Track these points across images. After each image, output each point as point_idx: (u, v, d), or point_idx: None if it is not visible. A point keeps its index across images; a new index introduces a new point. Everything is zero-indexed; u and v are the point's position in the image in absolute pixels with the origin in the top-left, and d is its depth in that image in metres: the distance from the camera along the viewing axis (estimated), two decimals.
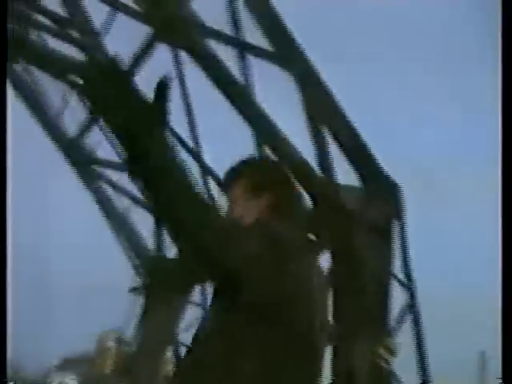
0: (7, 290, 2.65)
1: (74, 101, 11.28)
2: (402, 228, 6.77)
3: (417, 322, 6.87)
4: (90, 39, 10.42)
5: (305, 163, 6.70)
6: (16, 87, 10.64)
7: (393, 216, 6.77)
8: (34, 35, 10.28)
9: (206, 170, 10.26)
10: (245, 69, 6.98)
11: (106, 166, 11.30)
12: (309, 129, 6.95)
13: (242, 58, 7.03)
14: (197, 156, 10.21)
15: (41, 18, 10.28)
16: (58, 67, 10.62)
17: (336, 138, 6.98)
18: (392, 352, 5.59)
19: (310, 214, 7.82)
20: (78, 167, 11.21)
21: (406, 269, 6.79)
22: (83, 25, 10.52)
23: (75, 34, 10.50)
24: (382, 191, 6.90)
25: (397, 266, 6.81)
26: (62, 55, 10.57)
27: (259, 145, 9.55)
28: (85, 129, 10.99)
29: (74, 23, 10.39)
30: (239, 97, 6.63)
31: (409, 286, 6.68)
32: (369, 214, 6.78)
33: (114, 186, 11.40)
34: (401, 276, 6.78)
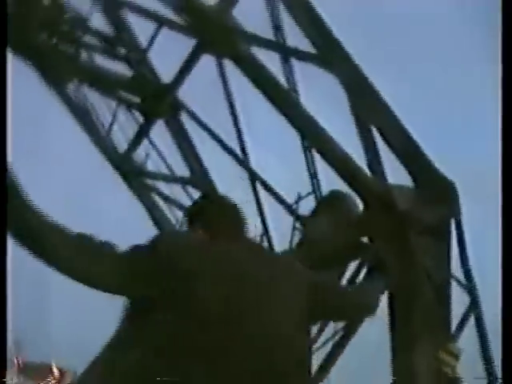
0: (7, 291, 2.63)
1: (123, 116, 11.53)
2: (459, 227, 6.53)
3: (480, 325, 6.60)
4: (136, 55, 10.60)
5: (352, 163, 6.57)
6: (68, 105, 10.91)
7: (449, 215, 6.54)
8: (83, 54, 10.55)
9: (255, 177, 10.25)
10: (289, 72, 6.92)
11: (156, 178, 11.43)
12: (357, 129, 6.82)
13: (285, 61, 6.98)
14: (245, 164, 10.21)
15: (89, 38, 10.56)
16: (107, 84, 10.91)
17: (386, 137, 6.82)
18: (455, 357, 5.37)
19: (361, 216, 7.67)
20: (129, 180, 11.37)
21: (465, 269, 6.54)
22: (130, 42, 10.71)
23: (122, 51, 10.72)
24: (436, 190, 6.67)
25: (456, 267, 6.58)
26: (112, 72, 10.87)
27: (306, 148, 9.52)
28: (135, 143, 11.17)
29: (120, 41, 10.61)
30: (284, 101, 6.57)
31: (469, 286, 6.43)
32: (423, 215, 6.57)
33: (166, 198, 11.53)
34: (460, 277, 6.54)
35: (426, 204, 6.58)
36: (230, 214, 2.55)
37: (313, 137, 6.86)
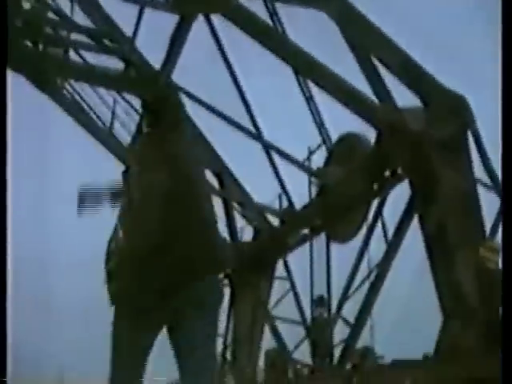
0: (7, 291, 2.65)
1: (122, 111, 11.60)
2: (477, 136, 6.57)
3: None
4: (122, 44, 10.63)
5: (355, 91, 6.63)
6: (63, 106, 10.97)
7: (464, 127, 6.58)
8: (72, 54, 10.60)
9: (268, 146, 10.33)
10: (275, 16, 7.00)
11: None
12: (357, 61, 6.85)
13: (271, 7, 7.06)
14: (256, 135, 10.25)
15: (75, 36, 10.63)
16: (100, 80, 10.97)
17: (387, 64, 6.85)
18: (496, 251, 5.43)
19: (376, 148, 7.71)
20: None
21: (489, 172, 6.59)
22: (114, 34, 10.74)
23: (110, 45, 10.75)
24: (446, 105, 6.71)
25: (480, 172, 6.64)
26: (103, 68, 10.93)
27: (308, 98, 9.59)
28: (138, 133, 11.23)
29: (106, 34, 10.64)
30: (277, 42, 6.65)
31: (495, 187, 6.46)
32: (438, 131, 6.61)
33: None
34: (486, 180, 6.58)
35: (439, 120, 6.61)
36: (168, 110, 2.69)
37: (309, 70, 6.91)
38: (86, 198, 2.61)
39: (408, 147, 6.80)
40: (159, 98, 2.77)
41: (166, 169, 2.45)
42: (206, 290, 2.50)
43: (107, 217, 2.60)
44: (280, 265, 11.71)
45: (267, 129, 10.15)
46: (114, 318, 2.51)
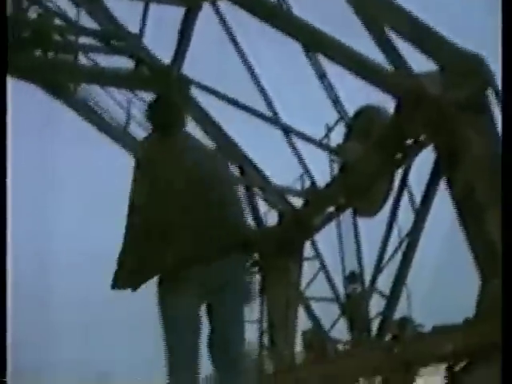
0: (7, 293, 2.66)
1: (136, 110, 11.68)
2: (498, 94, 6.50)
3: None
4: (130, 43, 10.69)
5: (367, 60, 6.60)
6: (76, 109, 11.09)
7: (483, 87, 6.51)
8: (81, 57, 10.70)
9: (286, 128, 10.34)
10: None
11: None
12: (368, 30, 6.81)
13: None
14: (274, 119, 10.26)
15: (83, 40, 10.72)
16: (111, 81, 11.06)
17: (398, 30, 6.80)
18: None
19: (396, 118, 7.67)
20: None
21: None
22: (121, 33, 10.79)
23: (118, 44, 10.81)
24: (463, 67, 6.64)
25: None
26: (113, 68, 11.01)
27: (321, 75, 9.57)
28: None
29: (113, 34, 10.71)
30: (283, 19, 6.66)
31: None
32: (458, 93, 6.55)
33: None
34: None
35: (457, 82, 6.54)
36: (169, 113, 2.96)
37: (319, 44, 6.89)
38: None
39: (429, 112, 6.75)
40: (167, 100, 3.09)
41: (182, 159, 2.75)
42: (237, 271, 2.71)
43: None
44: (308, 246, 11.80)
45: (283, 111, 10.17)
46: (158, 290, 2.70)
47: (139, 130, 11.92)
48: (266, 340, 13.05)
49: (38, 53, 10.79)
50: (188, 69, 10.60)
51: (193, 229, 2.61)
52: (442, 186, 7.43)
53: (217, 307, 2.69)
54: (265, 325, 13.27)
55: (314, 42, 7.03)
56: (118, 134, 11.53)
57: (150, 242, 2.61)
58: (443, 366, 7.77)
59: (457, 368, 6.69)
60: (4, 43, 3.51)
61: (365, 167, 8.79)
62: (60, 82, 11.10)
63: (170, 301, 2.63)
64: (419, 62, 7.02)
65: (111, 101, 11.45)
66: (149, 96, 11.50)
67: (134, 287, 2.66)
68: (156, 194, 2.66)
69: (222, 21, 9.84)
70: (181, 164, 2.74)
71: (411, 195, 8.28)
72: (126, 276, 2.64)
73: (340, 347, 10.71)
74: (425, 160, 7.64)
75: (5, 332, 2.59)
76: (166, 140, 2.85)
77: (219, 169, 2.89)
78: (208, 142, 3.08)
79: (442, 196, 7.34)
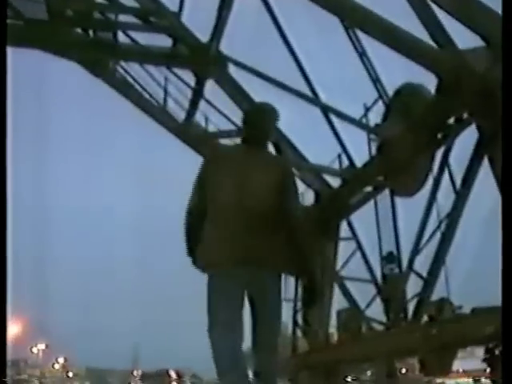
0: (7, 294, 2.68)
1: (175, 87, 11.74)
2: None
3: None
4: (169, 21, 10.67)
5: (408, 35, 6.44)
6: (115, 87, 11.18)
7: None
8: (119, 34, 10.74)
9: (325, 107, 10.25)
10: None
11: (222, 136, 11.56)
12: (411, 6, 6.65)
13: None
14: (314, 99, 10.16)
15: (122, 18, 10.76)
16: (148, 58, 11.10)
17: (441, 5, 6.61)
18: None
19: (438, 96, 7.50)
20: (194, 145, 11.60)
21: None
22: (158, 9, 10.78)
23: (157, 23, 10.82)
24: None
25: None
26: (152, 46, 11.05)
27: (361, 53, 9.42)
28: (192, 107, 11.36)
29: (149, 11, 10.71)
30: None
31: None
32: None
33: None
34: None
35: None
36: (263, 123, 3.25)
37: (358, 18, 6.75)
38: None
39: (474, 90, 6.58)
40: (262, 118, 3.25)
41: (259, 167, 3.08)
42: (279, 280, 3.08)
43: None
44: (345, 226, 11.74)
45: (322, 90, 10.06)
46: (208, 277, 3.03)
47: (176, 108, 12.12)
48: (299, 319, 13.12)
49: (78, 31, 10.92)
50: (226, 47, 10.56)
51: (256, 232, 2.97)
52: (485, 166, 7.28)
53: (258, 303, 3.03)
54: (299, 304, 13.35)
55: (355, 18, 6.90)
56: (157, 112, 11.63)
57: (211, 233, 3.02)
58: (481, 349, 7.69)
59: (497, 351, 6.61)
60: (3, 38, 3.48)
61: (404, 147, 8.65)
62: (99, 59, 11.20)
63: (219, 286, 2.98)
64: (465, 39, 6.83)
65: (149, 79, 11.52)
66: (186, 74, 11.63)
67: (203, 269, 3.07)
68: (236, 193, 3.01)
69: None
70: (259, 171, 3.08)
71: (452, 175, 8.13)
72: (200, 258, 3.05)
73: (375, 328, 10.67)
74: (467, 139, 7.48)
75: (5, 332, 2.64)
76: (252, 149, 3.17)
77: (289, 184, 3.17)
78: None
79: (485, 176, 7.20)
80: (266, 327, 3.04)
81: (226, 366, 2.84)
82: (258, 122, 3.23)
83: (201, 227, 3.04)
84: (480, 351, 7.71)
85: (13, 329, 48.35)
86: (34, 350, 60.11)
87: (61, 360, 75.26)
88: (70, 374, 77.67)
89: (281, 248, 3.02)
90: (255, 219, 2.96)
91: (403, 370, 40.42)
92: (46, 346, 60.45)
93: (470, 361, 27.46)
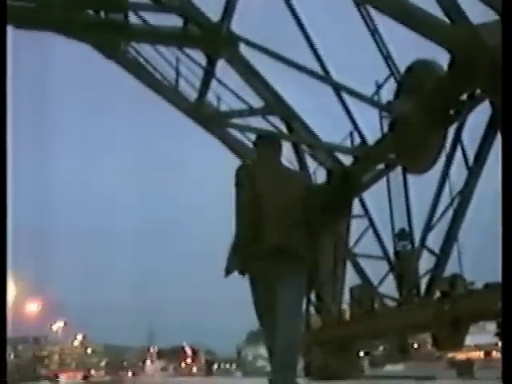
0: (6, 295, 2.67)
1: (187, 67, 11.68)
2: None
3: None
4: (180, 1, 10.58)
5: (419, 11, 6.34)
6: (127, 68, 11.15)
7: None
8: (130, 15, 10.67)
9: (337, 85, 10.15)
10: None
11: (233, 115, 11.53)
12: None
13: None
14: (324, 77, 10.07)
15: None
16: (159, 38, 11.04)
17: None
18: None
19: (451, 72, 7.39)
20: (206, 124, 11.59)
21: None
22: None
23: (166, 1, 10.73)
24: None
25: None
26: (163, 27, 10.98)
27: (373, 31, 9.30)
28: (204, 87, 11.31)
29: None
30: None
31: None
32: None
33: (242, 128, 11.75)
34: None
35: None
36: (269, 148, 3.79)
37: None
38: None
39: (487, 65, 6.47)
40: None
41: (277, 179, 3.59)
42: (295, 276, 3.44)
43: None
44: (357, 203, 11.72)
45: (333, 68, 9.96)
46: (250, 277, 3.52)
47: (188, 88, 12.09)
48: (313, 296, 13.18)
49: (89, 12, 10.86)
50: (237, 26, 10.45)
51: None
52: (497, 142, 7.20)
53: (279, 294, 3.41)
54: None
55: None
56: (168, 92, 11.60)
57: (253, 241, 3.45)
58: (493, 324, 7.70)
59: None
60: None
61: (416, 124, 8.57)
62: (111, 40, 11.15)
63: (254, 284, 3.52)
64: (478, 14, 6.70)
65: (161, 59, 11.47)
66: (197, 54, 11.57)
67: (242, 272, 3.50)
68: (260, 202, 3.49)
69: None
70: (276, 182, 3.58)
71: (464, 152, 8.05)
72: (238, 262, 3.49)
73: (388, 304, 10.70)
74: (480, 116, 7.39)
75: (5, 332, 2.65)
76: (267, 164, 3.71)
77: (300, 191, 3.61)
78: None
79: (497, 152, 7.12)
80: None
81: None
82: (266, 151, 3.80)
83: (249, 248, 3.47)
84: (491, 326, 7.71)
85: (32, 307, 49.21)
86: (54, 327, 61.07)
87: (79, 337, 76.68)
88: (89, 351, 79.24)
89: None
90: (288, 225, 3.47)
91: (415, 345, 40.70)
92: (65, 324, 61.37)
93: (481, 335, 27.61)
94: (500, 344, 7.26)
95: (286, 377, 3.31)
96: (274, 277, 3.39)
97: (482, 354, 28.93)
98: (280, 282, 3.38)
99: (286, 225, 3.43)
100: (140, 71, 11.51)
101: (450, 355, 24.43)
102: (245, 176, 3.59)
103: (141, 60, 11.55)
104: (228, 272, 3.48)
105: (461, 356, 22.59)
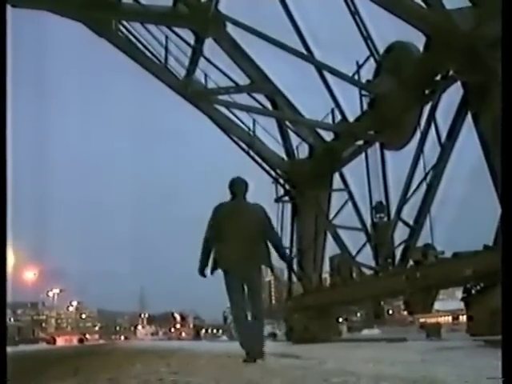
0: (6, 295, 2.66)
1: (176, 45, 11.58)
2: None
3: None
4: None
5: None
6: (118, 46, 11.03)
7: None
8: None
9: (319, 64, 10.13)
10: None
11: (220, 92, 11.50)
12: None
13: None
14: (309, 57, 10.04)
15: None
16: (150, 17, 10.92)
17: None
18: None
19: (426, 53, 7.42)
20: (194, 101, 11.56)
21: None
22: None
23: None
24: (496, 2, 6.34)
25: None
26: (153, 6, 10.85)
27: (354, 12, 9.26)
28: (191, 64, 11.24)
29: None
30: None
31: None
32: (490, 30, 6.29)
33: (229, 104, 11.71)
34: None
35: (490, 18, 6.26)
36: (239, 187, 4.89)
37: None
38: None
39: (460, 48, 6.53)
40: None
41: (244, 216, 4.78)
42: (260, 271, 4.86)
43: None
44: (337, 177, 11.83)
45: (316, 48, 9.94)
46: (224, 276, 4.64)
47: (177, 65, 12.01)
48: (295, 265, 13.36)
49: None
50: (224, 6, 10.36)
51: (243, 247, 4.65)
52: (468, 121, 7.29)
53: (248, 286, 4.69)
54: (294, 250, 13.58)
55: None
56: (158, 70, 11.51)
57: (223, 249, 4.69)
58: (461, 290, 7.90)
59: (473, 291, 6.79)
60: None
61: (393, 102, 8.63)
62: (103, 19, 11.00)
63: (229, 282, 4.65)
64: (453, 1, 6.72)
65: (151, 37, 11.35)
66: (186, 33, 11.47)
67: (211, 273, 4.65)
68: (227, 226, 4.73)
69: None
70: (241, 214, 4.74)
71: (438, 130, 8.14)
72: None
73: (366, 272, 10.90)
74: (452, 96, 7.46)
75: (5, 333, 2.61)
76: (235, 203, 4.82)
77: (262, 220, 4.78)
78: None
79: (468, 130, 7.22)
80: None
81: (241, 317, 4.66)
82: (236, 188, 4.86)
83: (212, 247, 4.67)
84: (460, 293, 7.93)
85: (29, 274, 49.19)
86: (50, 293, 61.23)
87: (74, 303, 76.99)
88: (83, 316, 79.68)
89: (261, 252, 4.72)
90: (247, 240, 4.63)
91: (390, 312, 41.42)
92: (61, 291, 61.53)
93: (450, 301, 28.21)
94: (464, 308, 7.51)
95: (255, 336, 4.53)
96: (242, 271, 4.57)
97: (449, 317, 29.50)
98: (248, 273, 4.60)
99: (247, 238, 4.58)
100: (131, 49, 11.40)
101: (422, 320, 24.94)
102: (218, 211, 4.69)
103: (131, 38, 11.46)
104: (202, 273, 4.69)
105: (431, 320, 23.07)
